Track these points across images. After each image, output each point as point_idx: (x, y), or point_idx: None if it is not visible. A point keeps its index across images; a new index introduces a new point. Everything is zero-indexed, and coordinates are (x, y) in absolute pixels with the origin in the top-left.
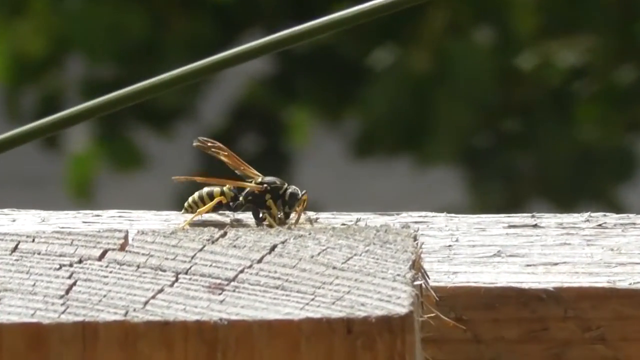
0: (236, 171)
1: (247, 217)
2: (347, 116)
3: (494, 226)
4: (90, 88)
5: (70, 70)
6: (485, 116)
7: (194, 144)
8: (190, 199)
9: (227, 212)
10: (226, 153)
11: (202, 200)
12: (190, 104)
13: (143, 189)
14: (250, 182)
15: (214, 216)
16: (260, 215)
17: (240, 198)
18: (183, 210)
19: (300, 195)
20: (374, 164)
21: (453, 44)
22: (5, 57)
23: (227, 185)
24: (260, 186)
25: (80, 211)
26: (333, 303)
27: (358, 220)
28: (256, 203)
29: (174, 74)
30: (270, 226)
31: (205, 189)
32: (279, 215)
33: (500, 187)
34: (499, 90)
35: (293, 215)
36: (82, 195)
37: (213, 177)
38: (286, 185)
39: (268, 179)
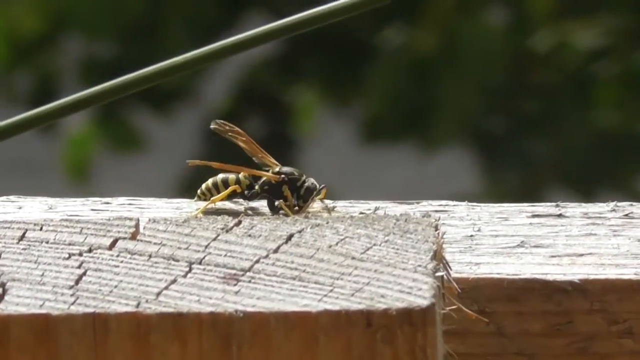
0: (253, 158)
1: (262, 205)
2: (354, 99)
3: (517, 215)
4: (89, 68)
5: (68, 50)
6: (498, 99)
7: (211, 126)
8: (203, 186)
9: (240, 201)
10: (244, 138)
11: (216, 188)
12: (192, 86)
13: (142, 172)
14: (268, 171)
15: (227, 204)
16: (276, 204)
17: (256, 187)
18: (196, 198)
19: (317, 189)
20: (381, 149)
21: (463, 23)
22: None
23: (243, 173)
24: (278, 176)
25: (89, 198)
26: (352, 295)
27: (377, 208)
28: (272, 193)
29: (178, 60)
30: (287, 215)
31: (220, 176)
32: (295, 207)
33: (515, 173)
34: (512, 73)
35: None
36: (80, 178)
37: (229, 164)
38: (304, 177)
39: (286, 169)
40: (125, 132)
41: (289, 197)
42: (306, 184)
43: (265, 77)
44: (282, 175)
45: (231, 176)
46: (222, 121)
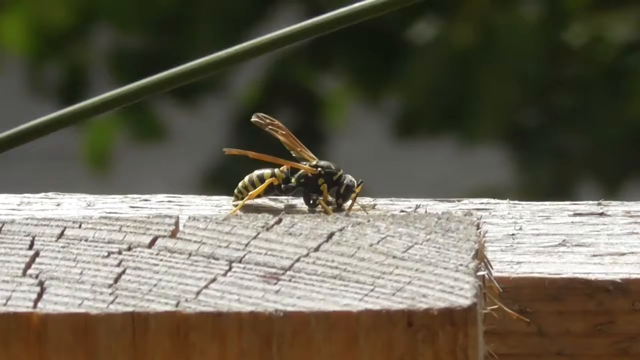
0: (292, 152)
1: (302, 202)
2: (387, 93)
3: (559, 214)
4: (119, 61)
5: (97, 42)
6: (533, 93)
7: (252, 119)
8: (240, 184)
9: (280, 198)
10: (284, 132)
11: (253, 185)
12: (220, 77)
13: (167, 165)
14: (305, 164)
15: (266, 202)
16: (311, 200)
17: (292, 180)
18: (234, 198)
19: (355, 186)
20: (415, 144)
21: (499, 16)
22: (27, 28)
23: (281, 167)
24: (314, 169)
25: (128, 195)
26: (393, 294)
27: (418, 207)
28: (308, 187)
29: (211, 59)
30: (326, 213)
31: (256, 172)
32: (331, 202)
33: (549, 167)
34: (547, 66)
35: (347, 204)
36: (101, 168)
37: (266, 155)
38: (341, 172)
39: (323, 162)
40: (150, 123)
41: (325, 191)
42: (344, 181)
43: (295, 68)
44: (319, 169)
45: (266, 171)
46: (262, 114)
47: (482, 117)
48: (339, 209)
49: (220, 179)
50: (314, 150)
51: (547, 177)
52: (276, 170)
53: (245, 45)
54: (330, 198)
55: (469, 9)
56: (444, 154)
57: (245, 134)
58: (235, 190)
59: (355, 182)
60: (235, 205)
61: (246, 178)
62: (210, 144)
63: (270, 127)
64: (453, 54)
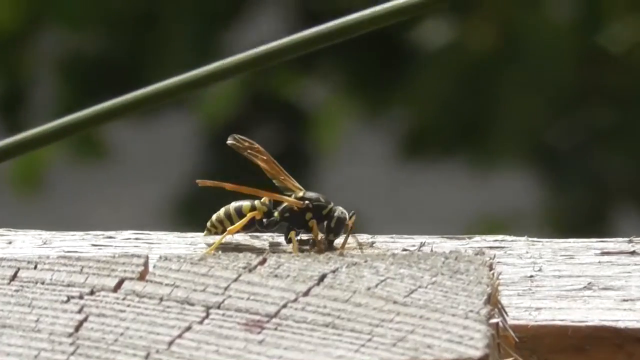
0: (274, 181)
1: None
2: (389, 106)
3: (584, 253)
4: (70, 68)
5: (45, 47)
6: (564, 107)
7: (228, 141)
8: (214, 217)
9: (264, 235)
10: (265, 157)
11: (229, 219)
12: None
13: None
14: (290, 196)
15: (247, 239)
16: (295, 236)
17: (275, 214)
18: (205, 232)
19: (347, 220)
20: (424, 168)
21: (524, 16)
22: None
23: (262, 199)
24: (301, 202)
25: (89, 232)
26: (394, 345)
27: (422, 244)
28: (293, 222)
29: (186, 78)
30: (319, 252)
31: (233, 205)
32: (322, 241)
33: (584, 194)
34: (581, 75)
35: (338, 241)
36: (30, 193)
37: (245, 186)
38: (331, 205)
39: (310, 194)
40: (95, 142)
41: (315, 228)
42: (335, 214)
43: (280, 77)
44: (306, 202)
45: (245, 203)
46: (239, 136)
47: (503, 136)
48: (330, 246)
49: (188, 209)
50: (301, 175)
51: (579, 207)
52: (256, 202)
53: (224, 63)
54: (320, 235)
55: (489, 8)
56: (457, 179)
57: (216, 156)
58: (208, 224)
59: (347, 214)
60: (208, 242)
61: (222, 210)
62: (175, 168)
63: (249, 151)
64: (469, 60)
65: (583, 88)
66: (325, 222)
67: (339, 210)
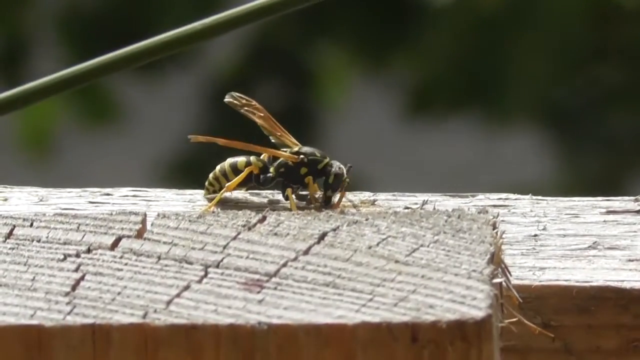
0: (271, 137)
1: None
2: (396, 63)
3: (590, 211)
4: (69, 26)
5: (41, 3)
6: (576, 65)
7: (226, 99)
8: (211, 175)
9: (264, 192)
10: (262, 114)
11: (225, 176)
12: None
13: (123, 150)
14: (286, 151)
15: (247, 196)
16: (292, 193)
17: (271, 170)
18: (205, 191)
19: (345, 175)
20: (431, 125)
21: None
22: None
23: (256, 155)
24: (296, 156)
25: (86, 189)
26: (395, 305)
27: (425, 202)
28: (289, 177)
29: (183, 32)
30: (315, 208)
31: (228, 161)
32: (318, 197)
33: (595, 154)
34: (592, 32)
35: (336, 196)
36: (42, 154)
37: (238, 141)
38: (327, 159)
39: (306, 149)
40: (101, 101)
41: (311, 184)
42: (332, 170)
43: (283, 34)
44: (301, 156)
45: (240, 160)
46: (237, 94)
47: (512, 94)
48: (327, 202)
49: (189, 169)
50: (305, 133)
51: (593, 168)
52: (252, 157)
53: (227, 15)
54: (318, 193)
55: None
56: (464, 137)
57: (219, 114)
58: (207, 183)
59: (344, 169)
60: (209, 200)
61: (217, 168)
62: (177, 127)
63: (246, 108)
64: (479, 17)
65: (595, 45)
66: (323, 178)
67: (336, 166)
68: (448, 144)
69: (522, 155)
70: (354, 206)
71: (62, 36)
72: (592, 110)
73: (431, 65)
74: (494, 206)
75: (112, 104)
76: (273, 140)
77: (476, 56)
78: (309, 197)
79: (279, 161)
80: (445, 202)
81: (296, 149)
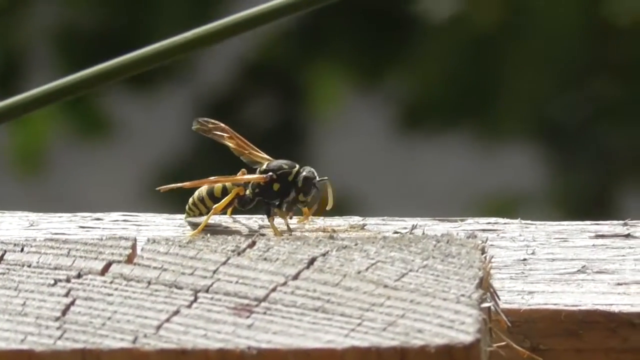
0: (241, 157)
1: (279, 222)
2: (390, 79)
3: (578, 235)
4: (65, 41)
5: (37, 18)
6: (570, 81)
7: (193, 127)
8: (190, 201)
9: (254, 217)
10: (229, 135)
11: (202, 202)
12: (184, 60)
13: (115, 167)
14: (256, 168)
15: (239, 220)
16: (272, 209)
17: (248, 192)
18: (185, 215)
19: (316, 178)
20: (424, 142)
21: None
22: None
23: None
24: (264, 176)
25: (77, 214)
26: (384, 329)
27: (414, 227)
28: (266, 195)
29: (175, 42)
30: (286, 229)
31: (204, 187)
32: (290, 214)
33: (591, 170)
34: (586, 48)
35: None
36: (32, 171)
37: (202, 180)
38: (296, 168)
39: (274, 163)
40: (93, 116)
41: (280, 213)
42: (302, 174)
43: (277, 49)
44: (269, 173)
45: (217, 185)
46: (204, 119)
47: (506, 110)
48: (305, 207)
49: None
50: (296, 149)
51: (584, 183)
52: (227, 183)
53: (219, 25)
54: (291, 208)
55: None
56: (458, 154)
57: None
58: (187, 207)
59: (315, 173)
60: (190, 223)
61: (196, 194)
62: (170, 142)
63: (214, 132)
64: (473, 33)
65: (589, 62)
66: (294, 188)
67: (306, 170)
68: (441, 160)
69: (516, 172)
70: (344, 230)
71: (57, 51)
72: (587, 127)
73: (425, 81)
74: (483, 230)
75: (104, 119)
76: (243, 160)
77: (469, 72)
78: (284, 206)
79: (250, 183)
80: (435, 227)
81: (264, 166)
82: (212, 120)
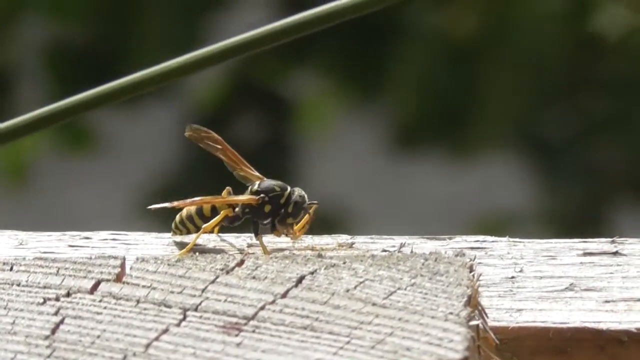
0: (234, 172)
1: (268, 241)
2: (376, 97)
3: (566, 253)
4: (54, 58)
5: (27, 37)
6: (555, 96)
7: (185, 133)
8: (177, 219)
9: (243, 236)
10: (221, 147)
11: (190, 220)
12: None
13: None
14: (248, 186)
15: (227, 238)
16: (262, 240)
17: (237, 210)
18: (172, 233)
19: (306, 202)
20: (411, 157)
21: (512, 3)
22: None
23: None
24: (256, 198)
25: (66, 233)
26: (372, 347)
27: (402, 245)
28: (256, 215)
29: (164, 68)
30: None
31: (193, 206)
32: (287, 230)
33: (576, 187)
34: (572, 63)
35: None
36: (19, 187)
37: (194, 199)
38: (288, 190)
39: (265, 184)
40: (79, 131)
41: (277, 233)
42: (292, 198)
43: (266, 65)
44: (261, 195)
45: (205, 205)
46: (197, 126)
47: (494, 126)
48: (290, 230)
49: (170, 200)
50: (284, 166)
51: (572, 199)
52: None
53: (208, 51)
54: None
55: None
56: (444, 170)
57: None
58: (173, 225)
59: (305, 196)
60: (176, 242)
61: (183, 212)
62: (158, 158)
63: (206, 141)
64: (454, 47)
65: (574, 77)
66: (285, 210)
67: (296, 194)
68: (429, 178)
69: (504, 189)
70: (332, 249)
71: (46, 67)
72: (574, 143)
73: (414, 98)
74: (471, 248)
75: (92, 134)
76: (235, 175)
77: (458, 90)
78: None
79: (241, 203)
80: (423, 245)
81: (256, 186)
82: (205, 129)
